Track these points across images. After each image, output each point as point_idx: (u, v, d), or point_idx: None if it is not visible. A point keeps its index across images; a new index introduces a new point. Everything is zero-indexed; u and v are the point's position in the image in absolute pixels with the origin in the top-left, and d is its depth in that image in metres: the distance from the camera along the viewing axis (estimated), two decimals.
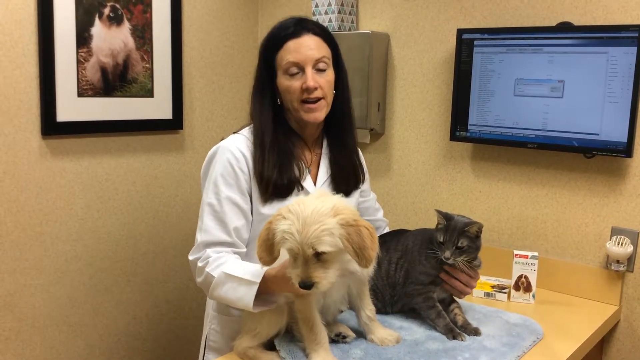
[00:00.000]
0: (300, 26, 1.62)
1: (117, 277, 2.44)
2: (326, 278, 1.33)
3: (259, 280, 1.46)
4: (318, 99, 1.61)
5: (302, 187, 1.66)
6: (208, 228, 1.59)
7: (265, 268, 1.46)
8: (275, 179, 1.59)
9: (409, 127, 2.44)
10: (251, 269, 1.50)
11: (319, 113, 1.63)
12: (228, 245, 1.60)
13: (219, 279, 1.52)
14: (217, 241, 1.59)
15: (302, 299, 1.42)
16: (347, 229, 1.31)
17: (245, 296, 1.47)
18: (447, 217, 1.62)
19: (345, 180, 1.74)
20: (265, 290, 1.47)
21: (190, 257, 1.62)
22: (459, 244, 1.58)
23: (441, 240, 1.60)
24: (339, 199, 1.40)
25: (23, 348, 2.19)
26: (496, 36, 2.10)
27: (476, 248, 1.61)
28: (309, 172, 1.71)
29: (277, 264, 1.42)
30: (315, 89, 1.59)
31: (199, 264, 1.58)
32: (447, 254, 1.58)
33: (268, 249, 1.38)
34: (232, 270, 1.51)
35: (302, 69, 1.59)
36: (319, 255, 1.32)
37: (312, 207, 1.33)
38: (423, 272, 1.64)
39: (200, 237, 1.60)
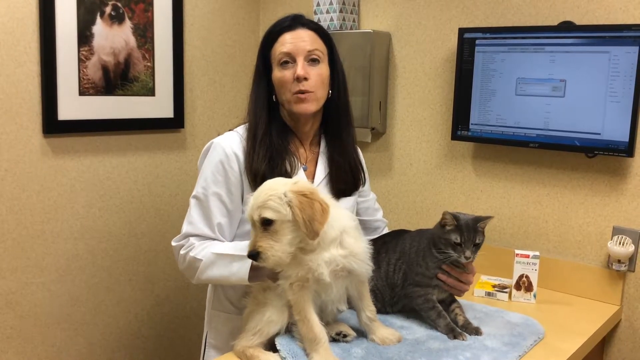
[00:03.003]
0: (295, 21, 1.66)
1: (118, 276, 2.44)
2: (271, 249, 1.34)
3: None
4: (308, 92, 1.62)
5: None
6: (194, 221, 1.64)
7: None
8: (264, 171, 1.60)
9: (411, 126, 2.44)
10: (240, 245, 1.55)
11: (309, 105, 1.63)
12: (211, 240, 1.63)
13: (208, 260, 1.57)
14: (200, 234, 1.63)
15: (297, 298, 1.41)
16: (300, 197, 1.32)
17: (240, 270, 1.52)
18: (456, 218, 1.60)
19: (344, 179, 1.74)
20: (256, 265, 1.49)
21: (174, 243, 1.68)
22: (477, 241, 1.57)
23: (458, 241, 1.56)
24: (309, 183, 1.43)
25: (24, 346, 2.20)
26: (498, 35, 2.10)
27: (482, 242, 1.61)
28: (305, 170, 1.72)
29: None
30: (306, 79, 1.60)
31: (182, 251, 1.63)
32: (468, 253, 1.56)
33: None
34: (221, 250, 1.57)
35: (294, 59, 1.61)
36: (267, 225, 1.33)
37: (275, 180, 1.38)
38: (420, 273, 1.63)
39: (185, 228, 1.65)
